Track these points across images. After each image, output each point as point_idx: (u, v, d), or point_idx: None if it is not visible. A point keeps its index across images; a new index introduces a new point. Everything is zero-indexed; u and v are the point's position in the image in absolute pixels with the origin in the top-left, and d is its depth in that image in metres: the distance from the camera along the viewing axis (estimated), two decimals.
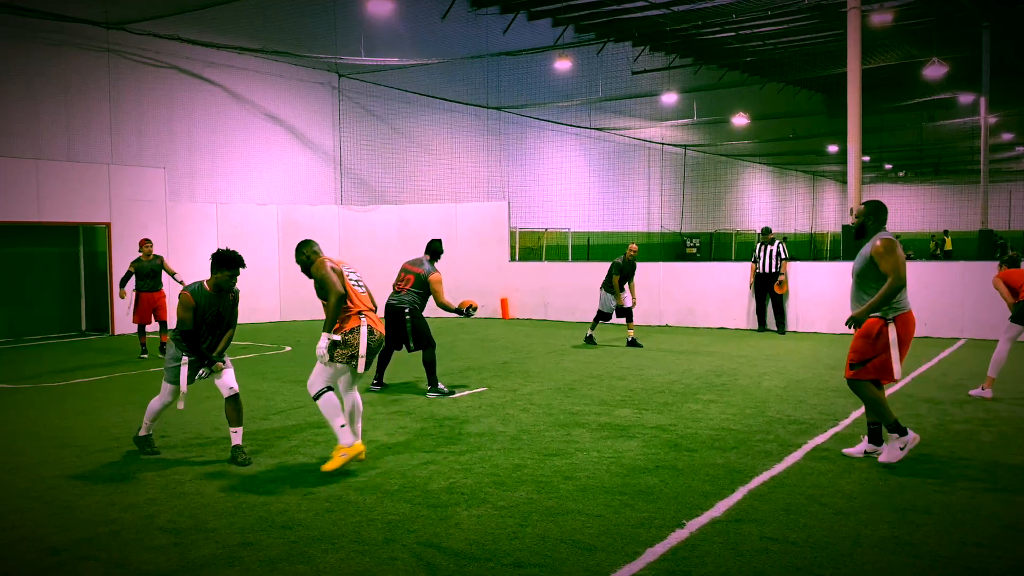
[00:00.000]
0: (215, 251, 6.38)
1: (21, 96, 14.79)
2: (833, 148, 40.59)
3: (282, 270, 17.60)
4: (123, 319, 15.21)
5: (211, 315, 6.38)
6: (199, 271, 16.26)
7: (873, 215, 6.45)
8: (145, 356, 12.08)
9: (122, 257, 15.16)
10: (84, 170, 14.89)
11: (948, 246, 37.78)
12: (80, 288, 15.78)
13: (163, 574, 4.19)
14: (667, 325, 15.71)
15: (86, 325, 15.79)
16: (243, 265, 6.39)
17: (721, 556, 4.35)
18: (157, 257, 12.35)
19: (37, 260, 15.05)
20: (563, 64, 25.63)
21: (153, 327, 12.58)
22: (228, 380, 6.41)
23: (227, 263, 6.30)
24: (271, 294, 17.38)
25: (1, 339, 14.33)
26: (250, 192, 18.64)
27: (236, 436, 6.36)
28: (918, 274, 13.78)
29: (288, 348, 13.20)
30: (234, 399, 6.38)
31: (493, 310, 17.77)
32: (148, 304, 12.24)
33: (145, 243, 12.37)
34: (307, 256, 6.21)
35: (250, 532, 4.76)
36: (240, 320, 17.12)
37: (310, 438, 7.01)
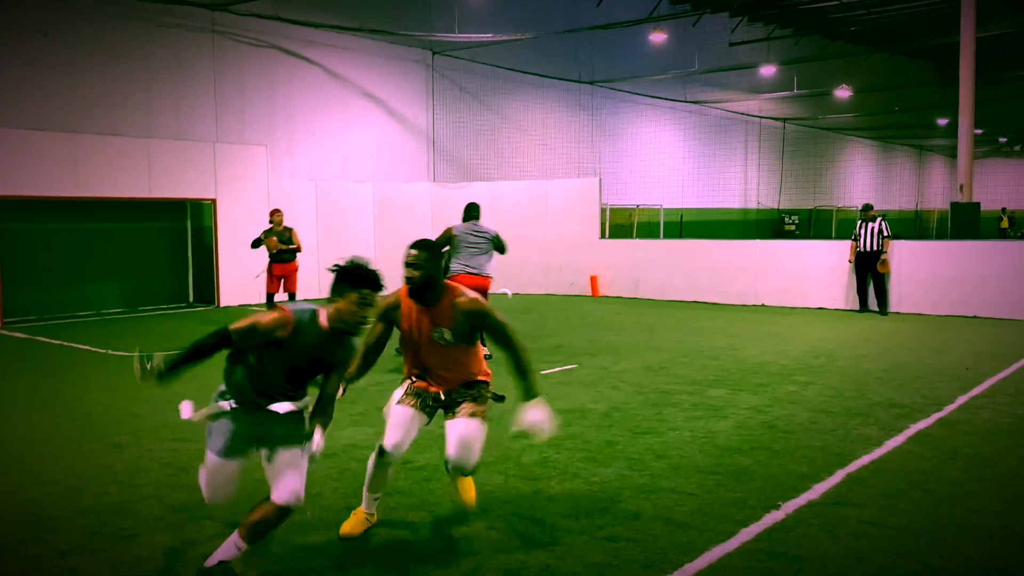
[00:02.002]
0: (344, 264, 4.00)
1: (136, 77, 15.50)
2: (943, 121, 38.70)
3: (377, 247, 18.00)
4: (227, 293, 15.88)
5: (305, 362, 3.91)
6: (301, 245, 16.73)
7: None
8: None
9: (228, 232, 15.81)
10: (191, 148, 15.54)
11: (1004, 224, 35.67)
12: (188, 261, 16.55)
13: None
14: (763, 304, 15.41)
15: (193, 297, 16.56)
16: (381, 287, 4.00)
17: (818, 539, 4.30)
18: (288, 229, 12.77)
19: (148, 234, 15.82)
20: (658, 37, 25.19)
21: (281, 297, 12.67)
22: (291, 479, 3.78)
23: (366, 281, 3.91)
24: None
25: (116, 309, 15.17)
26: (347, 169, 19.08)
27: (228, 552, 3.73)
28: None
29: None
30: (280, 513, 3.75)
31: (583, 287, 17.77)
32: (279, 274, 12.73)
33: (276, 213, 12.77)
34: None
35: (353, 498, 4.94)
36: None
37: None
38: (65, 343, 11.37)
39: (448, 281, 4.52)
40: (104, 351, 10.65)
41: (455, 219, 19.13)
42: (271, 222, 12.79)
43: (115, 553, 4.20)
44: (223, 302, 15.83)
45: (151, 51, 15.71)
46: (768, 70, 28.81)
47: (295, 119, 18.19)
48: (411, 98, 20.67)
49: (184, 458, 5.79)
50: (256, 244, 12.79)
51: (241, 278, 16.05)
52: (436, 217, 18.28)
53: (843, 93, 32.40)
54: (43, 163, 13.59)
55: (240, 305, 15.94)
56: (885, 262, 13.91)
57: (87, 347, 10.99)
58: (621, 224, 25.84)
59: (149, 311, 15.22)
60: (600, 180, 18.20)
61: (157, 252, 16.01)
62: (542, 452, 5.85)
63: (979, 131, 37.83)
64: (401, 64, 20.38)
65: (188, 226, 16.52)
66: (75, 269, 14.82)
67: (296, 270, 12.89)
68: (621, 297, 17.18)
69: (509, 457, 5.74)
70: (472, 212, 9.37)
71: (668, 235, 26.78)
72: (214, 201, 15.75)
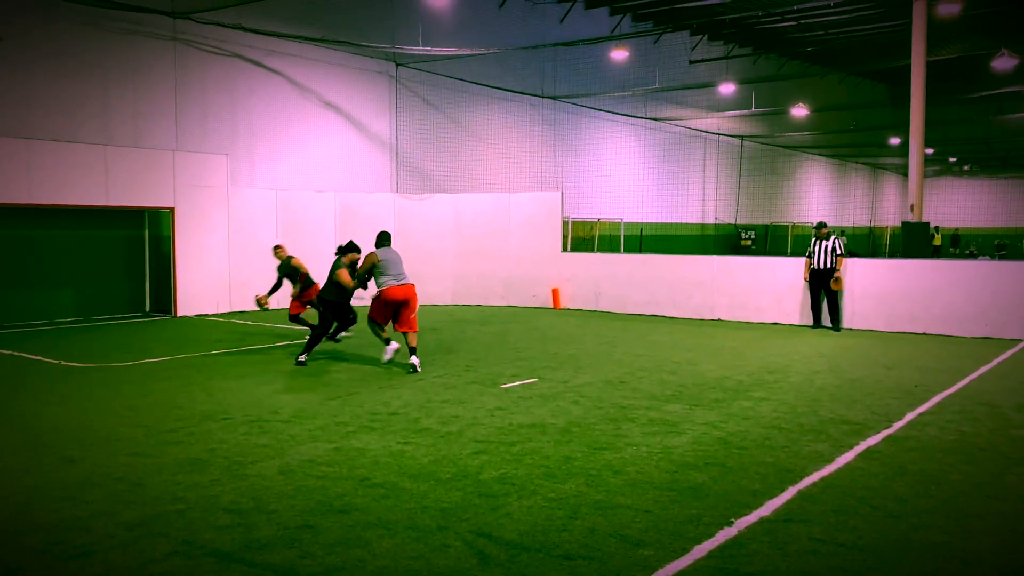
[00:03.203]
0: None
1: (93, 83, 15.27)
2: (895, 140, 39.67)
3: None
4: (184, 302, 15.69)
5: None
6: (258, 255, 16.64)
7: None
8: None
9: (186, 241, 15.63)
10: (150, 156, 15.34)
11: (937, 241, 36.19)
12: (145, 270, 16.31)
13: (227, 553, 4.39)
14: (719, 319, 15.63)
15: (150, 306, 16.32)
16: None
17: (769, 556, 4.39)
18: (289, 259, 12.33)
19: (104, 242, 15.58)
20: (620, 54, 25.48)
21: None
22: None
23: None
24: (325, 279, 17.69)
25: (71, 318, 14.90)
26: (309, 179, 18.98)
27: None
28: (982, 273, 13.51)
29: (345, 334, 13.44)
30: None
31: (544, 300, 17.87)
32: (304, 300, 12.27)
33: (277, 249, 12.53)
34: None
35: (309, 515, 4.94)
36: None
37: (366, 424, 7.19)
38: (16, 353, 11.14)
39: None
40: (57, 361, 10.46)
41: (417, 229, 19.12)
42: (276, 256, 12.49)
43: (67, 572, 4.14)
44: (180, 311, 15.63)
45: (110, 57, 15.50)
46: (727, 88, 29.29)
47: (256, 128, 18.05)
48: (375, 109, 20.64)
49: (138, 472, 5.73)
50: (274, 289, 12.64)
51: (199, 288, 15.89)
52: (399, 228, 18.26)
53: (800, 112, 33.06)
54: None
55: (198, 315, 15.75)
56: (838, 280, 14.21)
57: (39, 357, 10.78)
58: (583, 237, 26.05)
59: (105, 320, 14.97)
60: (562, 194, 18.34)
61: (113, 260, 15.77)
62: (501, 468, 5.89)
63: (930, 151, 38.82)
64: (364, 75, 20.35)
65: (146, 234, 16.29)
66: (28, 277, 14.52)
67: (313, 289, 12.16)
68: (582, 310, 17.30)
69: (468, 474, 5.77)
70: (385, 239, 10.53)
71: (628, 249, 27.06)
72: (172, 210, 15.56)
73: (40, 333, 13.42)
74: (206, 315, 15.83)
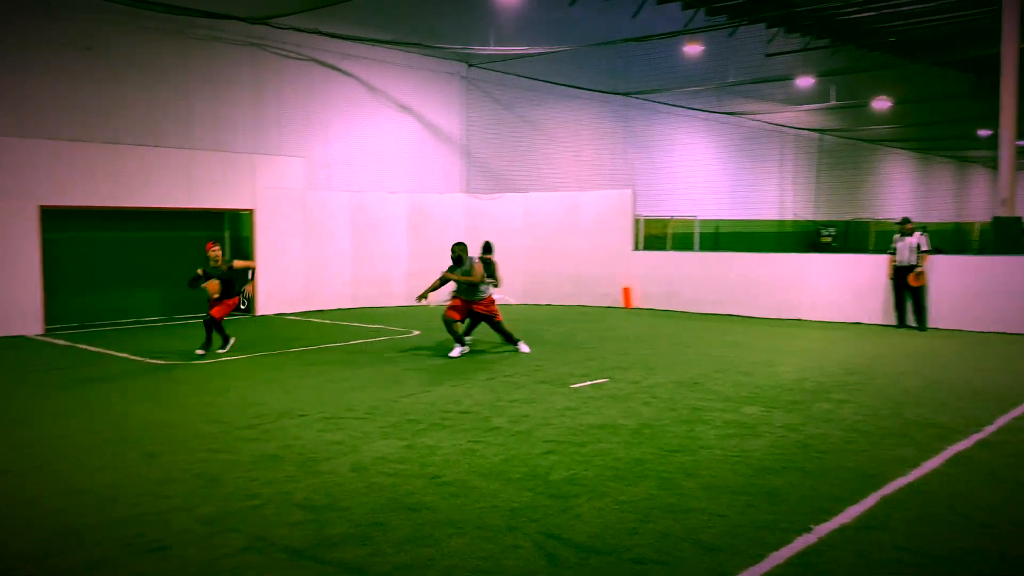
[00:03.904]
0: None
1: (175, 89, 15.77)
2: (985, 132, 38.00)
3: (412, 258, 18.12)
4: (263, 301, 16.06)
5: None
6: (332, 255, 16.95)
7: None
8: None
9: (265, 241, 16.01)
10: (230, 159, 15.76)
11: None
12: None
13: (299, 549, 4.44)
14: (798, 319, 15.22)
15: None
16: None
17: (851, 564, 4.22)
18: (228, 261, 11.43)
19: (187, 244, 16.04)
20: (693, 48, 25.06)
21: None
22: None
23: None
24: (400, 280, 17.92)
25: (156, 317, 15.41)
26: (381, 181, 19.22)
27: None
28: None
29: (417, 332, 13.58)
30: None
31: (615, 299, 17.70)
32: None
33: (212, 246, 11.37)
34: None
35: (380, 513, 4.97)
36: (372, 304, 17.56)
37: (437, 422, 7.22)
38: (105, 350, 11.58)
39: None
40: (142, 359, 10.82)
41: (487, 229, 19.19)
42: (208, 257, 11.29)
43: (146, 566, 4.25)
44: (259, 311, 16.01)
45: (191, 64, 15.97)
46: (805, 81, 28.54)
47: (331, 131, 18.37)
48: (446, 110, 20.78)
49: (216, 468, 5.86)
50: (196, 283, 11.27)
51: (278, 287, 16.26)
52: (469, 228, 18.34)
53: (881, 104, 31.97)
54: (85, 174, 13.88)
55: (276, 314, 16.11)
56: (920, 274, 13.66)
57: (126, 355, 11.17)
58: (655, 235, 25.71)
59: (188, 319, 15.43)
60: (634, 191, 18.13)
61: (196, 261, 16.21)
62: (571, 469, 5.82)
63: (1022, 143, 37.07)
64: (436, 76, 20.50)
65: (227, 236, 16.75)
66: (116, 277, 15.08)
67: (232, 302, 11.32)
68: (654, 309, 17.08)
69: (537, 474, 5.72)
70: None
71: (703, 247, 26.59)
72: (252, 211, 15.95)
73: (127, 331, 13.92)
74: (284, 314, 16.18)
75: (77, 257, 14.56)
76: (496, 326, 11.44)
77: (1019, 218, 15.49)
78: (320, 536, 4.61)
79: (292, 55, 17.57)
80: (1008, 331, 13.09)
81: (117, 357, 11.06)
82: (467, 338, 11.68)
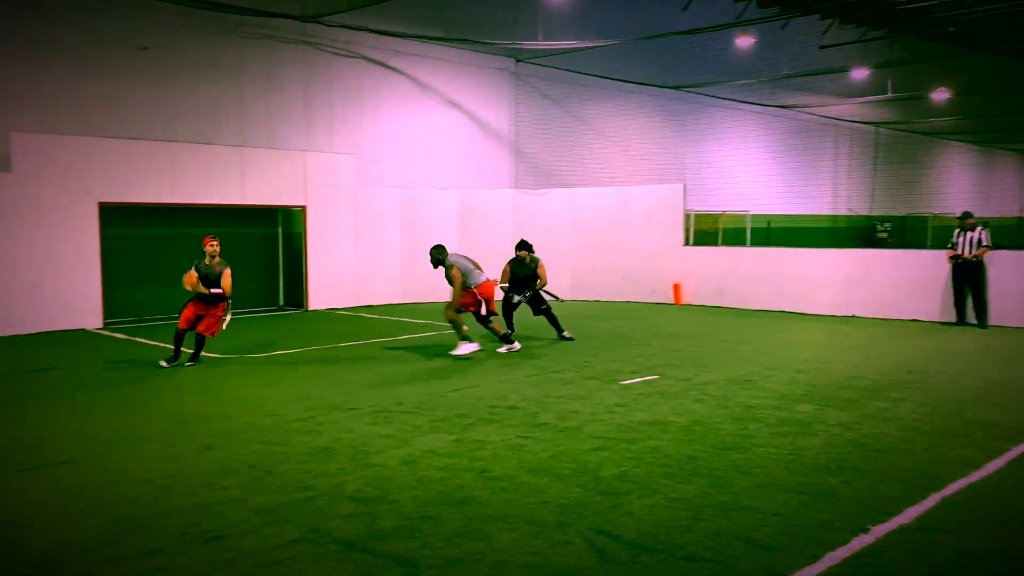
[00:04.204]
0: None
1: (229, 87, 16.06)
2: None
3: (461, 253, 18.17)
4: (315, 297, 16.27)
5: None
6: (381, 251, 17.13)
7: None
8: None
9: (317, 238, 16.20)
10: (282, 156, 15.99)
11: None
12: (279, 266, 17.03)
13: (351, 541, 4.47)
14: (854, 315, 14.91)
15: (283, 300, 17.03)
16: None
17: (911, 567, 4.11)
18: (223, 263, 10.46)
19: (241, 239, 16.33)
20: (745, 41, 24.69)
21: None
22: None
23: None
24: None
25: None
26: (430, 177, 19.32)
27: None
28: None
29: (464, 327, 13.59)
30: None
31: (665, 295, 17.54)
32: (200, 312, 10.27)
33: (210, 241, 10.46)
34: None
35: (430, 506, 4.99)
36: (421, 299, 17.63)
37: (485, 417, 7.22)
38: (162, 344, 11.83)
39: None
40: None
41: (535, 225, 19.11)
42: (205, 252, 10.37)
43: (202, 555, 4.32)
44: (311, 305, 16.22)
45: (245, 62, 16.24)
46: (860, 73, 27.92)
47: (381, 128, 18.52)
48: (495, 105, 20.81)
49: (269, 460, 5.94)
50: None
51: (330, 282, 16.46)
52: (516, 224, 18.34)
53: (941, 96, 31.15)
54: (142, 171, 14.19)
55: (327, 309, 16.30)
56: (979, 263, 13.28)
57: (183, 349, 11.38)
58: (706, 231, 25.40)
59: (242, 314, 15.70)
60: (684, 186, 17.93)
61: (249, 257, 16.51)
62: (621, 466, 5.78)
63: None
64: (485, 72, 20.53)
65: (279, 232, 17.00)
66: (172, 272, 15.37)
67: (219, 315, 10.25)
68: (705, 306, 16.88)
69: (587, 470, 5.69)
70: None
71: (755, 242, 26.21)
72: (304, 208, 16.16)
73: None
74: (335, 309, 16.37)
75: (134, 252, 14.91)
76: (484, 320, 10.98)
77: None
78: (371, 528, 4.65)
79: (343, 53, 17.74)
80: None
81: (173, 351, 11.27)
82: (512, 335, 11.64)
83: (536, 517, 4.80)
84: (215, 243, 10.34)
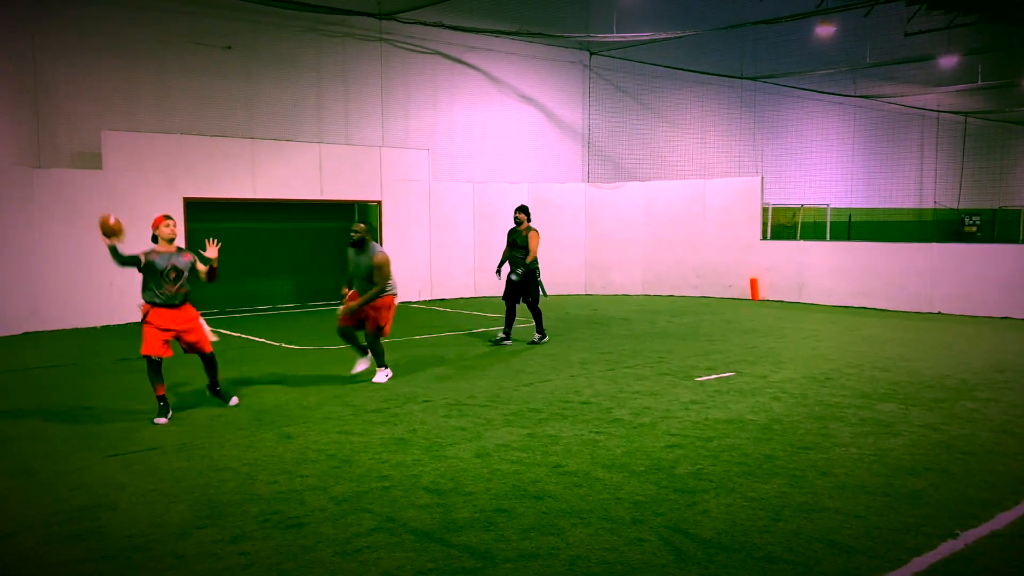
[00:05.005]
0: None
1: (308, 85, 16.39)
2: None
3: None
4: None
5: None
6: (454, 245, 17.25)
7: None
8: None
9: (392, 232, 16.43)
10: (359, 152, 16.25)
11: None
12: None
13: (427, 532, 4.53)
14: (940, 312, 14.39)
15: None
16: None
17: (1004, 574, 3.95)
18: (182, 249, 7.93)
19: (319, 234, 16.67)
20: (826, 29, 24.02)
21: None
22: None
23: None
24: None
25: (290, 304, 16.09)
26: (503, 171, 19.37)
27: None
28: None
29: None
30: None
31: (741, 291, 17.22)
32: (167, 326, 7.63)
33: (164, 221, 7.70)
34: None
35: (504, 499, 5.01)
36: (493, 293, 17.57)
37: (558, 412, 7.22)
38: (244, 335, 12.18)
39: None
40: (279, 344, 11.32)
41: (608, 218, 18.94)
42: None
43: (284, 541, 4.43)
44: None
45: (323, 60, 16.55)
46: (949, 61, 26.86)
47: (455, 122, 18.65)
48: (567, 99, 20.73)
49: (347, 450, 6.06)
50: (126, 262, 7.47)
51: (404, 276, 16.66)
52: (588, 217, 18.25)
53: None
54: (224, 167, 14.60)
55: (402, 303, 16.50)
56: None
57: (264, 340, 11.72)
58: (784, 224, 24.84)
59: (319, 306, 16.04)
60: (762, 179, 17.57)
61: (327, 251, 16.85)
62: (697, 464, 5.70)
63: None
64: (558, 65, 20.47)
65: None
66: (253, 266, 15.83)
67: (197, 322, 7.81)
68: (783, 301, 16.52)
69: (662, 468, 5.63)
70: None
71: (835, 236, 25.51)
72: (380, 203, 16.39)
73: (264, 318, 14.59)
74: (410, 303, 16.58)
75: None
76: (370, 336, 8.66)
77: None
78: (446, 519, 4.70)
79: (418, 49, 17.92)
80: None
81: (254, 342, 11.61)
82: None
83: (611, 513, 4.77)
84: (171, 222, 7.59)
